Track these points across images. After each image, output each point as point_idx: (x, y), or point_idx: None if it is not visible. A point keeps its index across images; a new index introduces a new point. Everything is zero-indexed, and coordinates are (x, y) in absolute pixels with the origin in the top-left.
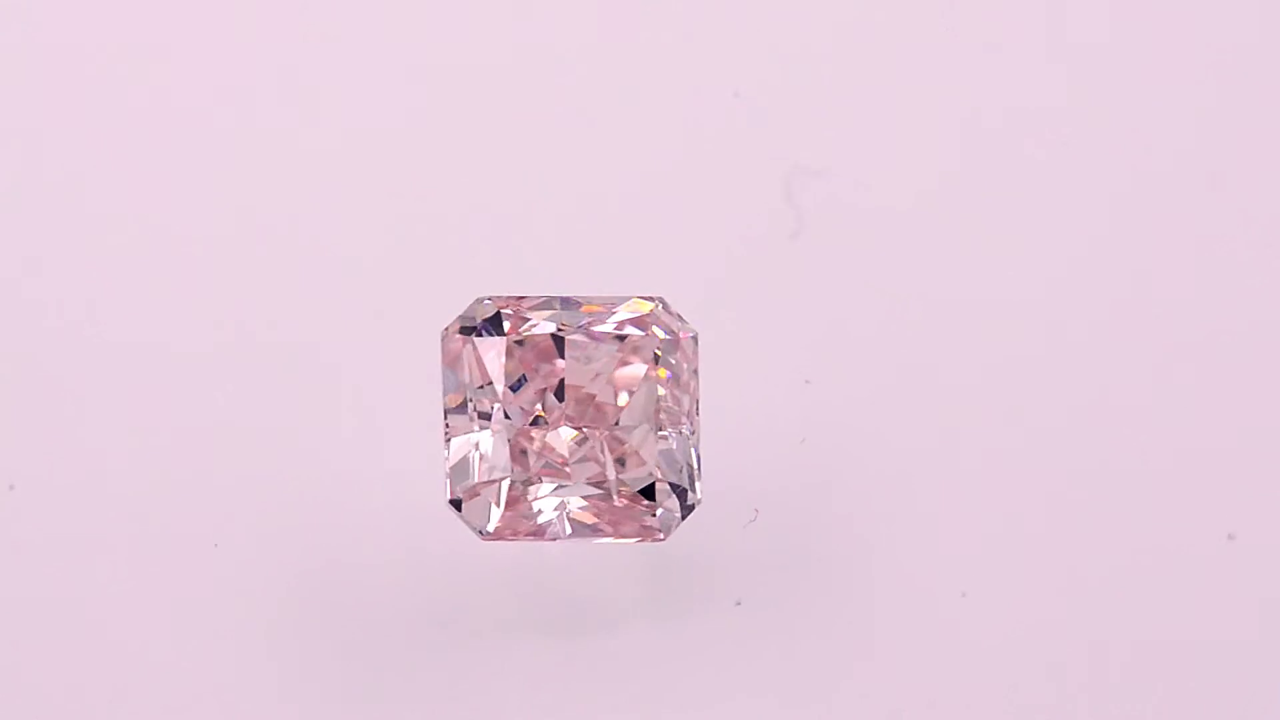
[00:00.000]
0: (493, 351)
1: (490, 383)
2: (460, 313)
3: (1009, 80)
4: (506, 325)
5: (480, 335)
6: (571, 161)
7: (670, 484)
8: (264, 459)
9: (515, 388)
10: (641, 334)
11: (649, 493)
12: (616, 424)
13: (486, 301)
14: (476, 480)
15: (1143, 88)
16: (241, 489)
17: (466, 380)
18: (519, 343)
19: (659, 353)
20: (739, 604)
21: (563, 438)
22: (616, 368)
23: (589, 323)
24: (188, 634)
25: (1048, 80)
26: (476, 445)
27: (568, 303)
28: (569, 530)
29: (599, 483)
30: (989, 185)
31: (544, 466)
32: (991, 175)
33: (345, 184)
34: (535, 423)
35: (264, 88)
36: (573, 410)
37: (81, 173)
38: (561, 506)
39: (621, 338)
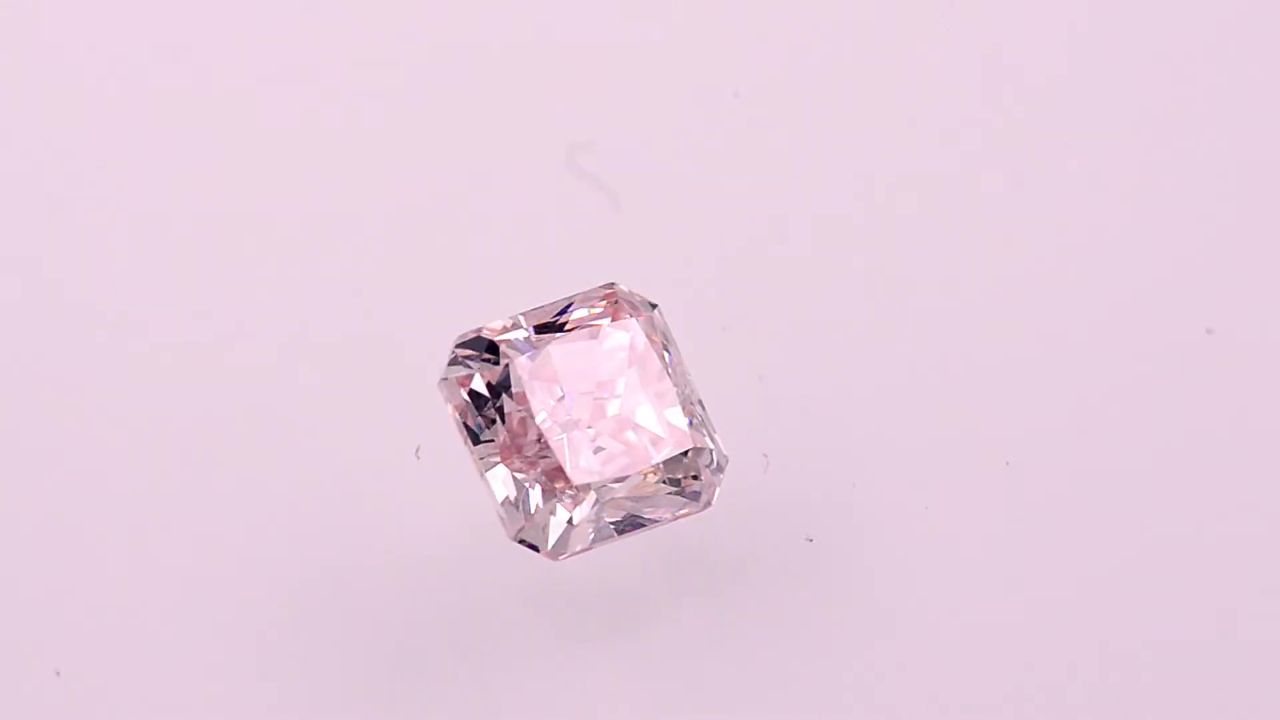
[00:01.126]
0: (494, 382)
1: (501, 413)
2: (446, 358)
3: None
4: (495, 352)
5: (478, 371)
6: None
7: (696, 449)
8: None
9: (524, 409)
10: (613, 320)
11: (680, 464)
12: (623, 412)
13: (463, 347)
14: (526, 510)
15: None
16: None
17: (479, 419)
18: (511, 365)
19: (637, 331)
20: (810, 540)
21: (581, 442)
22: (603, 358)
23: (564, 326)
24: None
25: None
26: (513, 478)
27: (534, 314)
28: (620, 529)
29: (634, 473)
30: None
31: (579, 475)
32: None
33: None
34: (553, 436)
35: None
36: (582, 412)
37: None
38: (602, 506)
39: (597, 329)
